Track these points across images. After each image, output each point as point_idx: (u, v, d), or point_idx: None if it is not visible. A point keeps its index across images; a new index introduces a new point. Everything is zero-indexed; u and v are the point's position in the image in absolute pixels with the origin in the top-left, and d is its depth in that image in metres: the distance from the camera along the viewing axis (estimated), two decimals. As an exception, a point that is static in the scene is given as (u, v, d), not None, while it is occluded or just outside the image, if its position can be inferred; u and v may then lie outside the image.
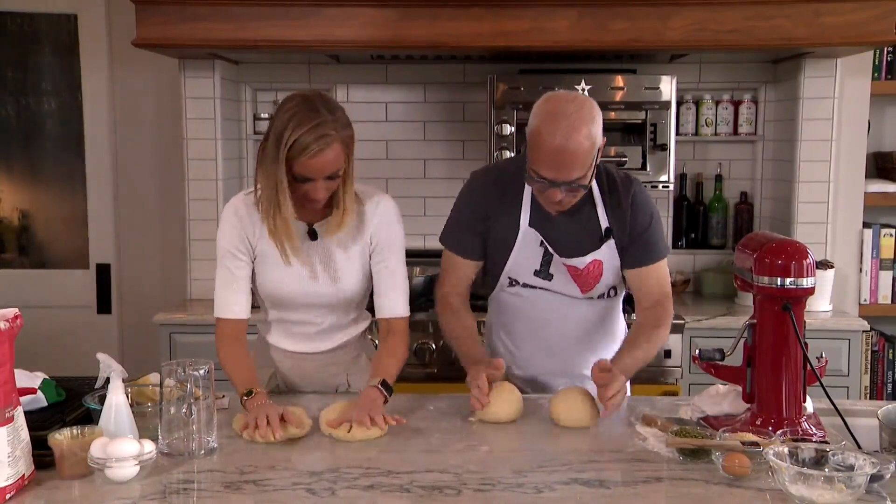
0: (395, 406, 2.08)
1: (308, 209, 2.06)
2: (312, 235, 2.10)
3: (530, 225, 2.12)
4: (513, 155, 3.36)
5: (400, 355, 2.11)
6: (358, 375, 2.24)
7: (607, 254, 2.13)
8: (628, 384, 2.09)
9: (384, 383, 2.01)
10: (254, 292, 2.17)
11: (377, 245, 2.13)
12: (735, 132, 3.72)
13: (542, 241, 2.12)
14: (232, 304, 2.10)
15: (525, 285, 2.20)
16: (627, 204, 2.11)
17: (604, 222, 2.12)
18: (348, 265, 2.12)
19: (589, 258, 2.12)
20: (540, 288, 2.19)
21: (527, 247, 2.14)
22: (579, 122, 1.89)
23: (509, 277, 2.20)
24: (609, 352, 2.25)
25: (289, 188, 1.97)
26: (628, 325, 2.30)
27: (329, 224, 2.07)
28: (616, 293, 2.24)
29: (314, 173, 1.94)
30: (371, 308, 2.24)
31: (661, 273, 2.17)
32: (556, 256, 2.13)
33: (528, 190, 2.11)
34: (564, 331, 2.22)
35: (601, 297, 2.21)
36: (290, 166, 1.94)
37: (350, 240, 2.11)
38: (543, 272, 2.16)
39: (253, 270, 2.13)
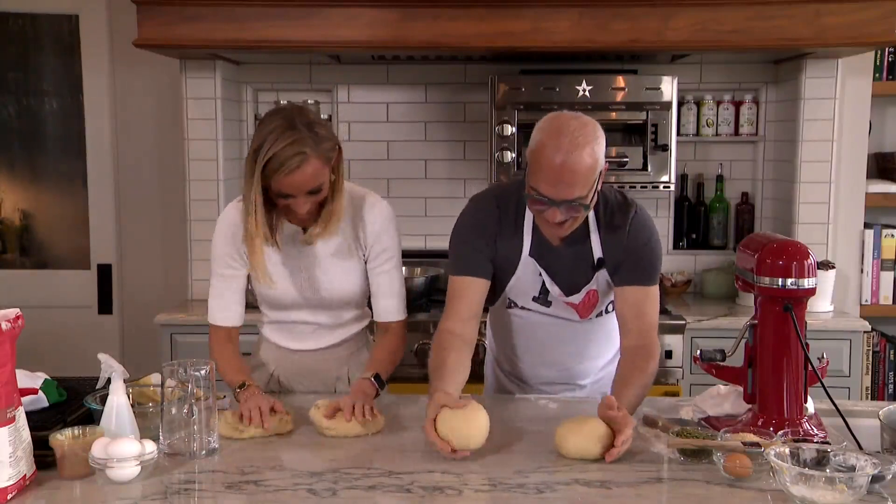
0: (396, 407, 2.09)
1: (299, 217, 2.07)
2: (308, 239, 2.11)
3: (530, 255, 2.08)
4: (513, 156, 3.36)
5: (395, 352, 2.16)
6: (359, 370, 2.24)
7: (600, 281, 2.09)
8: None
9: (377, 377, 2.06)
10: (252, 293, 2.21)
11: (374, 251, 2.14)
12: (736, 133, 3.72)
13: (540, 273, 2.09)
14: (224, 311, 2.15)
15: (524, 308, 2.17)
16: (626, 224, 2.05)
17: (597, 252, 2.07)
18: (342, 268, 2.14)
19: (584, 292, 2.09)
20: (539, 313, 2.16)
21: (526, 275, 2.10)
22: (582, 140, 1.85)
23: (508, 299, 2.17)
24: (607, 358, 2.25)
25: (265, 205, 1.99)
26: None
27: (314, 228, 2.08)
28: (614, 307, 2.18)
29: (293, 190, 1.95)
30: (368, 306, 2.28)
31: (647, 301, 2.05)
32: (552, 293, 2.10)
33: (528, 217, 2.06)
34: (563, 348, 2.20)
35: (599, 314, 2.18)
36: (269, 183, 1.95)
37: (344, 243, 2.13)
38: (542, 299, 2.13)
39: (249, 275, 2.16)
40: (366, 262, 2.16)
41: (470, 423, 1.74)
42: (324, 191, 2.00)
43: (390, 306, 2.17)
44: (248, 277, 2.16)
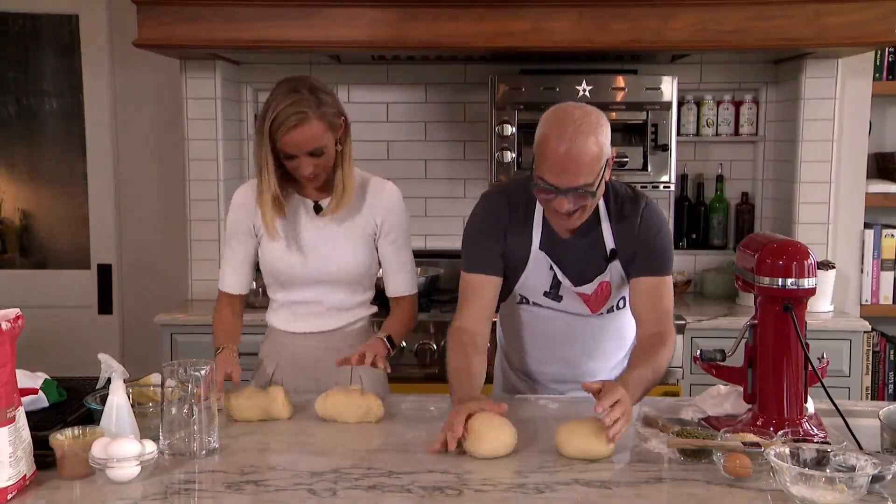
0: (396, 406, 2.09)
1: (310, 187, 2.18)
2: (318, 212, 2.21)
3: (540, 248, 2.09)
4: (514, 156, 3.36)
5: (407, 323, 2.31)
6: (362, 368, 2.25)
7: (613, 274, 2.10)
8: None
9: (389, 338, 2.19)
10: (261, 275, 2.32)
11: (385, 231, 2.25)
12: (736, 133, 3.72)
13: (551, 266, 2.10)
14: (231, 279, 2.29)
15: (535, 304, 2.18)
16: (637, 215, 2.06)
17: (609, 243, 2.07)
18: (349, 244, 2.21)
19: (596, 283, 2.10)
20: (550, 308, 2.17)
21: (537, 269, 2.11)
22: (586, 128, 1.88)
23: (520, 295, 2.18)
24: (617, 358, 2.25)
25: (276, 166, 2.10)
26: None
27: (329, 203, 2.17)
28: (625, 303, 2.19)
29: (294, 149, 2.05)
30: (375, 302, 2.35)
31: (662, 291, 2.06)
32: (564, 284, 2.11)
33: (538, 212, 2.08)
34: (575, 345, 2.20)
35: (611, 310, 2.18)
36: (275, 144, 2.06)
37: (353, 219, 2.21)
38: (553, 294, 2.13)
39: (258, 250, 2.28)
40: (377, 241, 2.25)
41: (496, 433, 1.75)
42: (327, 155, 2.09)
43: (401, 282, 2.29)
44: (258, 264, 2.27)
